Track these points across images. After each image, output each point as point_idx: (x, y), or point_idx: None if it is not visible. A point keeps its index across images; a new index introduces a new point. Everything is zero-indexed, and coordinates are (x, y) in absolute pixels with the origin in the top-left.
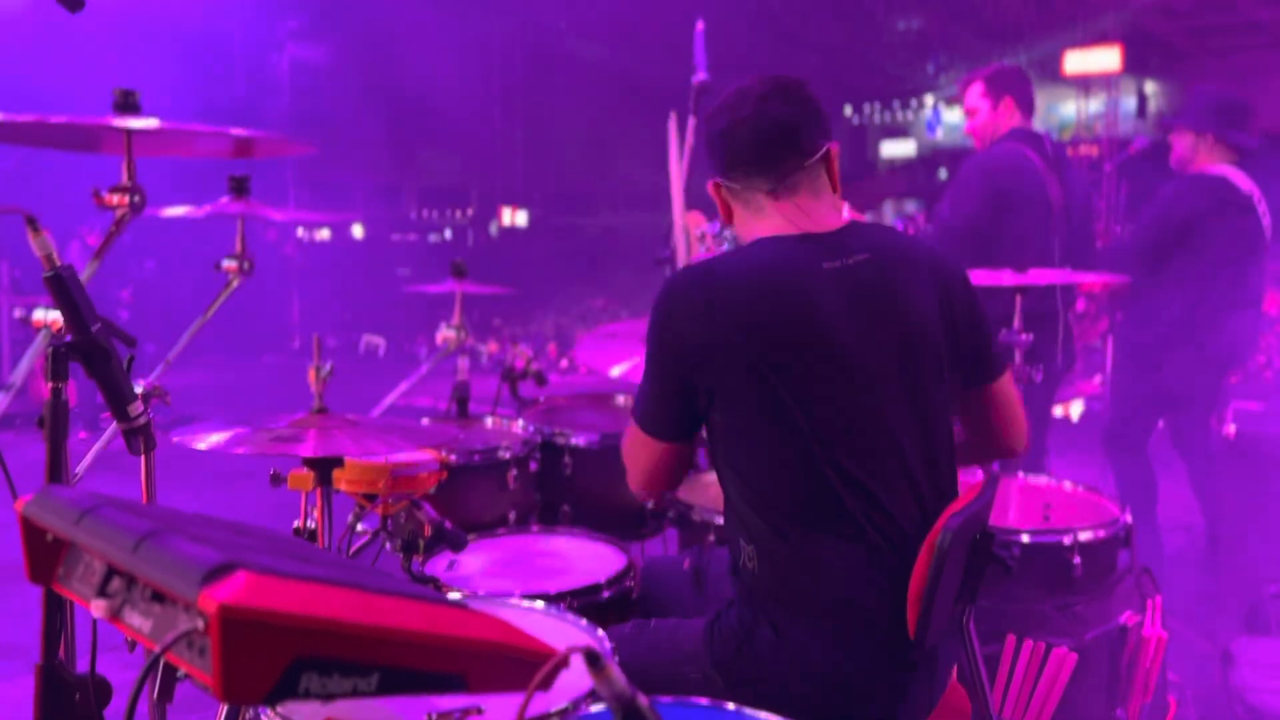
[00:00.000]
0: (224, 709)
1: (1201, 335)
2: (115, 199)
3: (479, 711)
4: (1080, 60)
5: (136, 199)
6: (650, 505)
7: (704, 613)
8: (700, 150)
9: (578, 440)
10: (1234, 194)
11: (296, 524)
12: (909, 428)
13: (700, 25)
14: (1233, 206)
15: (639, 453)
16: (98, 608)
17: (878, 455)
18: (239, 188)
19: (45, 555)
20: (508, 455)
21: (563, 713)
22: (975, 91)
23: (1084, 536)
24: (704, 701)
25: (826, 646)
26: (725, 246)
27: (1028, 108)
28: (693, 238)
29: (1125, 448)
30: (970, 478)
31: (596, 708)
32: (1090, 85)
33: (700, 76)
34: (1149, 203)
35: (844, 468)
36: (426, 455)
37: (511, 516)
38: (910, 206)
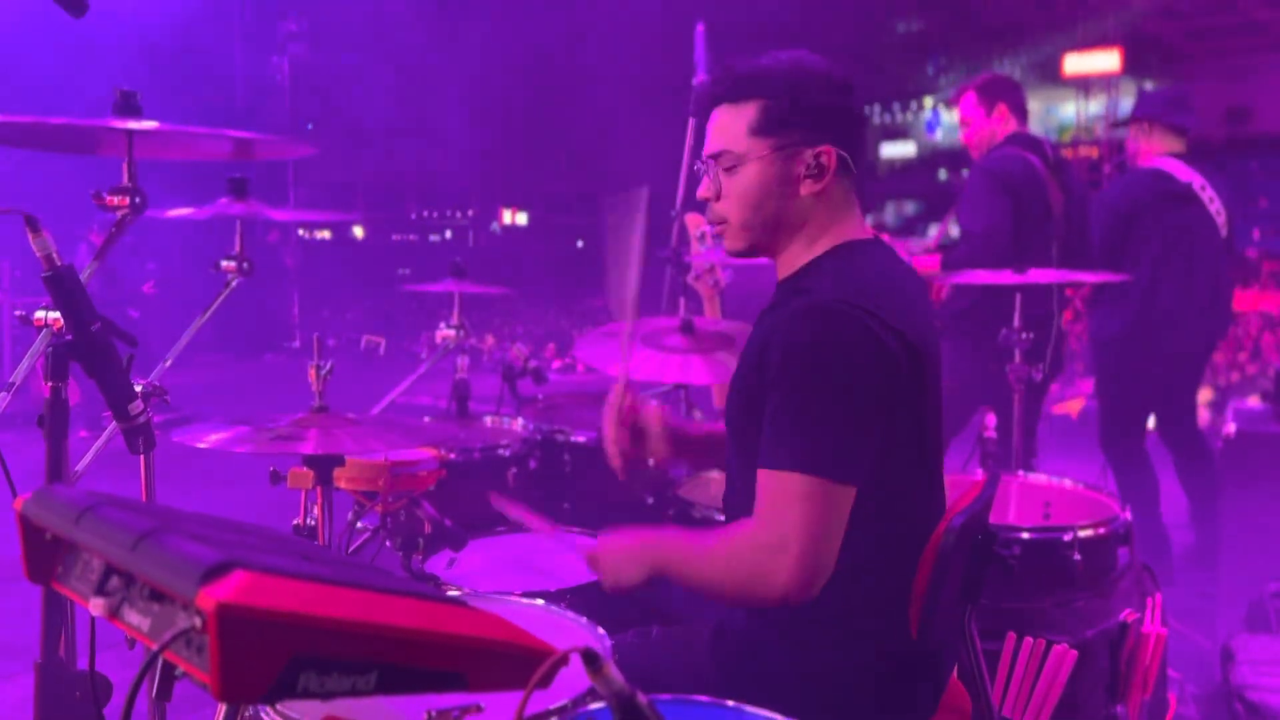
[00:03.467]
0: (223, 707)
1: (1162, 324)
2: (116, 200)
3: (478, 709)
4: (1080, 62)
5: (137, 200)
6: (650, 501)
7: (699, 615)
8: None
9: (577, 438)
10: (1171, 184)
11: (296, 522)
12: (930, 438)
13: (701, 26)
14: (1170, 197)
15: (818, 516)
16: (96, 606)
17: (918, 461)
18: (239, 189)
19: (44, 554)
20: (507, 453)
21: (562, 710)
22: (969, 102)
23: (1084, 534)
24: (704, 699)
25: (835, 653)
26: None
27: (1021, 112)
28: (692, 238)
29: (1119, 447)
30: (971, 477)
31: (596, 705)
32: (1090, 87)
33: (701, 77)
34: (1095, 204)
35: (929, 474)
36: (426, 453)
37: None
38: (909, 208)
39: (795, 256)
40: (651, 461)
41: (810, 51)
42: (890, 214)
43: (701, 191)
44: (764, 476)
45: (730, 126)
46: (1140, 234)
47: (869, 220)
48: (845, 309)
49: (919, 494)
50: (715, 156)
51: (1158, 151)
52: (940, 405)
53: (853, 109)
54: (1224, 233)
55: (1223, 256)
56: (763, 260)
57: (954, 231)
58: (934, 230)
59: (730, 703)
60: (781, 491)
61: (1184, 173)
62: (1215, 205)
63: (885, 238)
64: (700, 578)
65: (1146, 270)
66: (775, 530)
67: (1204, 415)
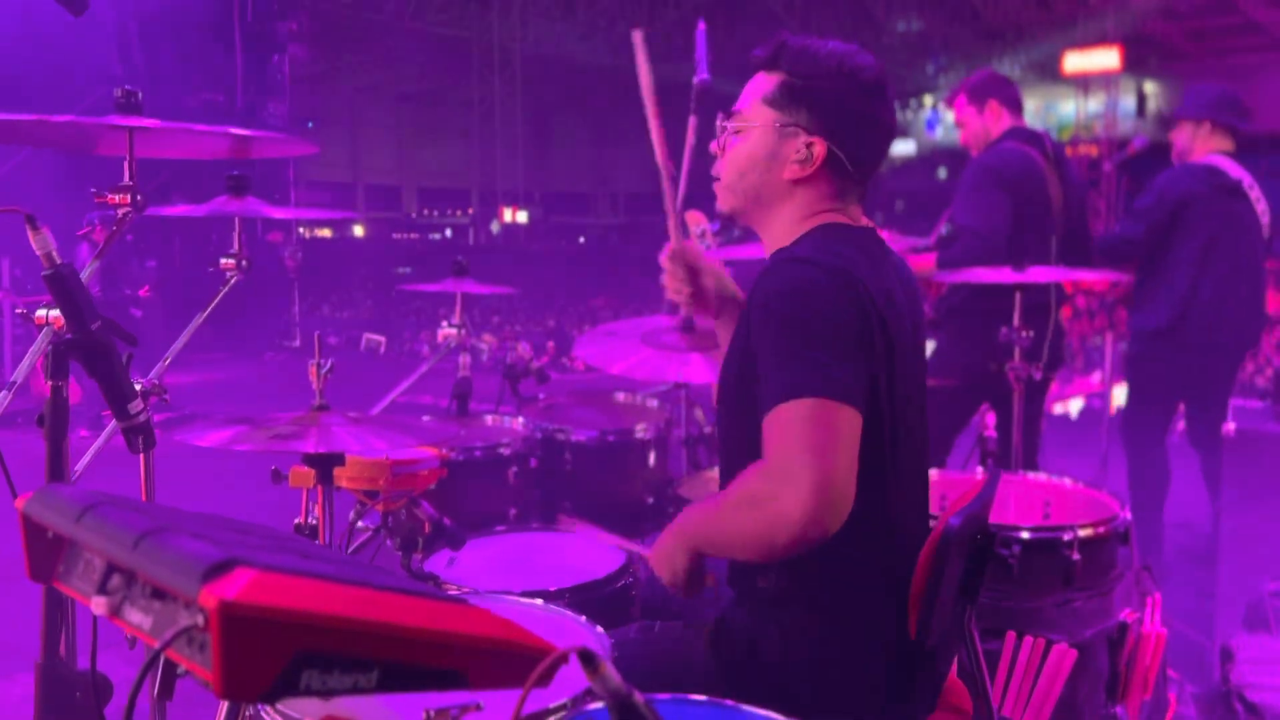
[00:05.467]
0: (224, 706)
1: (1203, 317)
2: (117, 198)
3: (478, 708)
4: (1080, 60)
5: (138, 198)
6: (650, 501)
7: (702, 614)
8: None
9: (578, 437)
10: (1223, 179)
11: (297, 521)
12: (924, 429)
13: (701, 25)
14: (1222, 190)
15: (822, 436)
16: (98, 605)
17: (915, 453)
18: (238, 187)
19: (45, 553)
20: (508, 452)
21: (561, 709)
22: (960, 103)
23: (1084, 533)
24: (701, 699)
25: (833, 649)
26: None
27: (1015, 107)
28: (693, 235)
29: (1143, 438)
30: (971, 477)
31: (595, 705)
32: (1089, 85)
33: (701, 76)
34: (1143, 193)
35: (897, 465)
36: (427, 452)
37: (512, 513)
38: (909, 206)
39: (779, 237)
40: (686, 307)
41: (863, 50)
42: (889, 213)
43: (713, 145)
44: (765, 424)
45: (755, 91)
46: (1188, 225)
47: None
48: (815, 259)
49: (899, 483)
50: (732, 114)
51: (1209, 149)
52: (919, 400)
53: (869, 113)
54: (1267, 233)
55: (1262, 257)
56: (762, 256)
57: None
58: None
59: (728, 702)
60: (781, 423)
61: (1234, 170)
62: (1262, 205)
63: (884, 234)
64: (724, 533)
65: (1191, 262)
66: (781, 459)
67: None
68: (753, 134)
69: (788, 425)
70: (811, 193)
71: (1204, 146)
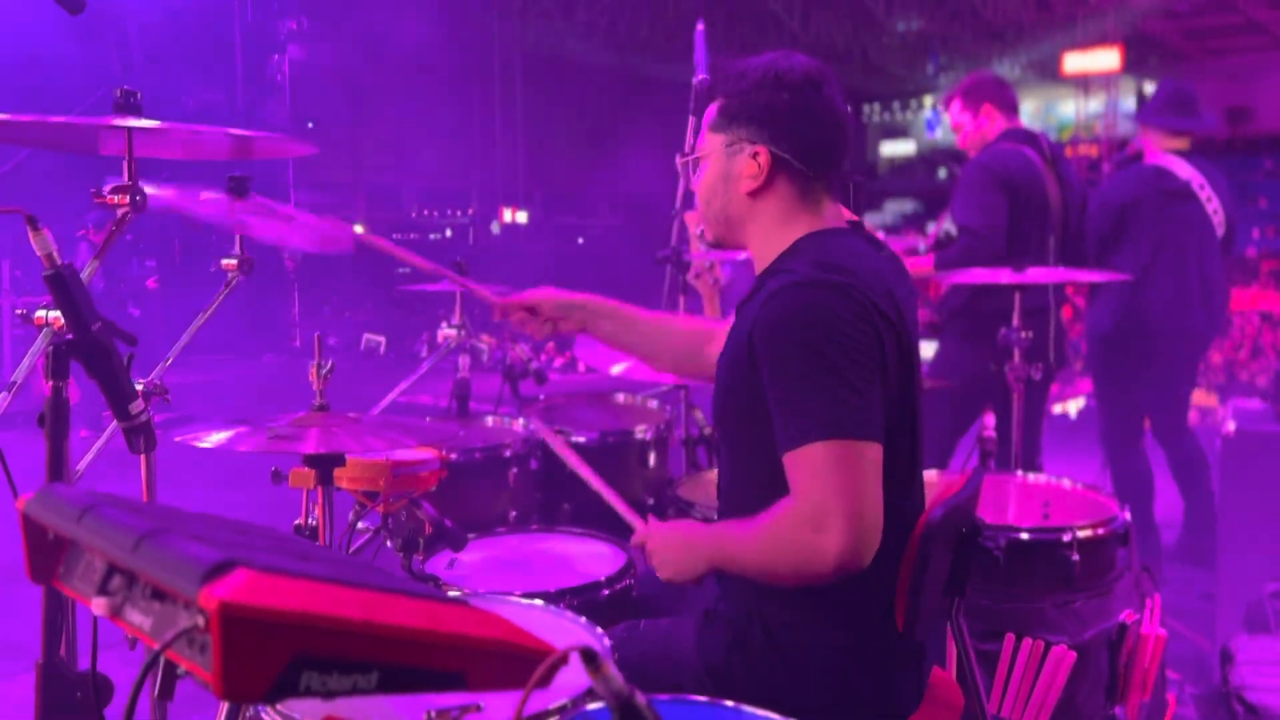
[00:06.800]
0: (224, 707)
1: (1153, 320)
2: (116, 198)
3: (478, 709)
4: (1080, 60)
5: (138, 198)
6: (651, 501)
7: (689, 610)
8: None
9: (578, 438)
10: (1170, 181)
11: (297, 522)
12: (918, 425)
13: (700, 25)
14: (1168, 194)
15: (852, 478)
16: (98, 605)
17: (908, 449)
18: (238, 188)
19: (46, 553)
20: (508, 453)
21: (561, 710)
22: (955, 108)
23: (1083, 534)
24: (702, 699)
25: (818, 644)
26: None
27: (1010, 109)
28: (691, 235)
29: (1115, 442)
30: (954, 474)
31: (595, 705)
32: (1090, 85)
33: (701, 77)
34: (1092, 197)
35: (899, 464)
36: (427, 453)
37: (512, 515)
38: (909, 206)
39: (764, 250)
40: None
41: (798, 51)
42: (890, 213)
43: (691, 183)
44: (789, 460)
45: (704, 123)
46: (1134, 229)
47: (873, 219)
48: (821, 280)
49: (906, 481)
50: (689, 153)
51: (1161, 148)
52: (920, 395)
53: (804, 109)
54: (1220, 232)
55: (1217, 257)
56: None
57: (951, 229)
58: (932, 228)
59: (729, 703)
60: (809, 465)
61: (1184, 170)
62: (1213, 205)
63: (880, 236)
64: (752, 566)
65: (1137, 266)
66: (813, 503)
67: (1193, 415)
68: (708, 162)
69: (817, 468)
70: (775, 200)
71: (1158, 146)
